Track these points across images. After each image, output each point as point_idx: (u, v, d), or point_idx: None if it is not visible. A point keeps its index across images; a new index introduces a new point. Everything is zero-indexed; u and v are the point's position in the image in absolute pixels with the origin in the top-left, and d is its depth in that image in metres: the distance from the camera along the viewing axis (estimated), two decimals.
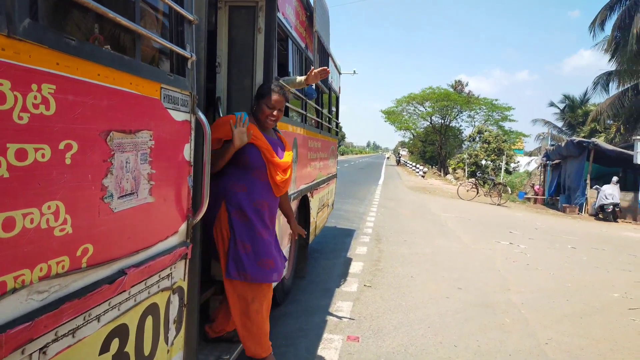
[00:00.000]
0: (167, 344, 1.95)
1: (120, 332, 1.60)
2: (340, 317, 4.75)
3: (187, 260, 2.07)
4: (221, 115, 3.32)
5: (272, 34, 3.40)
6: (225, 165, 2.87)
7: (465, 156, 33.30)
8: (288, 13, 3.95)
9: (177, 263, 1.98)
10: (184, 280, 2.08)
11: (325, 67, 3.82)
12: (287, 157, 3.05)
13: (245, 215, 2.88)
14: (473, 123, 42.71)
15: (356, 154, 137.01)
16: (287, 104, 4.16)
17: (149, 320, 1.80)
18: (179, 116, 1.92)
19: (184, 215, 2.03)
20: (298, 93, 4.62)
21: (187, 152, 2.01)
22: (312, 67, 3.69)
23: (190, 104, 2.01)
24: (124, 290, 1.58)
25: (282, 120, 3.77)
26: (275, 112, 2.96)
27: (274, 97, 2.95)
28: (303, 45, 4.65)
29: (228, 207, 2.88)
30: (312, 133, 5.35)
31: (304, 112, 4.77)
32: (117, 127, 1.49)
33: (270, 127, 3.05)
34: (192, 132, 2.05)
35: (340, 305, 5.12)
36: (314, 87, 5.26)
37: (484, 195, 20.27)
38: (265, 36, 3.36)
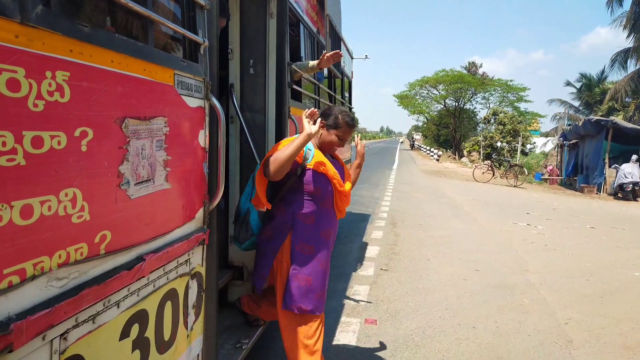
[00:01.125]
0: (187, 328, 1.97)
1: (140, 317, 1.62)
2: (357, 301, 4.77)
3: (205, 246, 2.08)
4: (235, 102, 3.31)
5: (284, 18, 3.36)
6: (291, 195, 2.72)
7: (480, 138, 32.91)
8: None
9: (195, 249, 1.99)
10: (202, 266, 2.09)
11: (338, 51, 3.78)
12: (348, 186, 2.93)
13: (311, 247, 2.73)
14: (488, 105, 42.16)
15: (370, 139, 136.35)
16: (301, 90, 4.14)
17: (169, 306, 1.82)
18: (193, 102, 1.92)
19: (201, 201, 2.03)
20: (311, 78, 4.59)
21: (202, 138, 2.01)
22: (325, 52, 3.66)
23: (203, 90, 2.01)
24: (143, 276, 1.59)
25: (294, 105, 3.76)
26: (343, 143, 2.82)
27: (349, 130, 2.79)
28: (315, 29, 4.60)
29: (293, 239, 2.73)
30: None
31: (317, 97, 4.74)
32: (132, 113, 1.49)
33: (333, 153, 2.91)
34: (207, 118, 2.04)
35: (357, 289, 5.14)
36: (324, 71, 5.23)
37: (500, 177, 20.06)
38: (278, 21, 3.33)
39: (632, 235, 8.96)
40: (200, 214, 2.03)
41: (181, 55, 1.93)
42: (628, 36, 23.98)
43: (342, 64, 6.54)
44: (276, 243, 2.75)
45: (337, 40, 5.75)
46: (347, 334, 3.95)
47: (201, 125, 2.00)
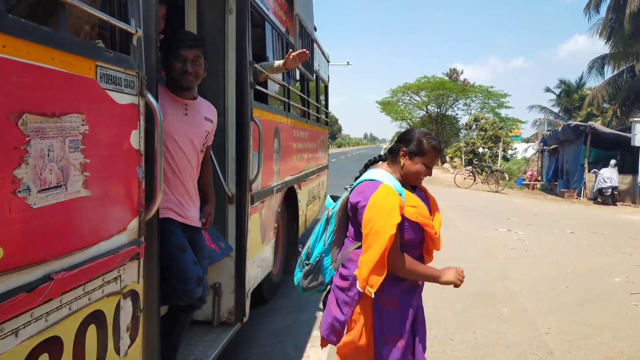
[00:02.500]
0: (118, 354, 1.74)
1: (51, 345, 1.39)
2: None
3: (141, 260, 1.86)
4: None
5: (244, 15, 3.16)
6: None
7: (462, 144, 33.06)
8: None
9: (127, 264, 1.77)
10: (139, 283, 1.87)
11: (305, 50, 3.60)
12: (438, 219, 2.33)
13: (396, 300, 2.19)
14: (469, 111, 42.41)
15: (353, 145, 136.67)
16: (266, 91, 3.94)
17: (92, 330, 1.59)
18: (122, 99, 1.70)
19: (134, 210, 1.81)
20: (279, 80, 4.40)
21: (135, 139, 1.79)
22: (290, 51, 3.47)
23: (137, 85, 1.79)
24: (52, 299, 1.36)
25: (260, 108, 3.55)
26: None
27: (436, 155, 2.25)
28: (283, 29, 4.42)
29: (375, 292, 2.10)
30: (297, 122, 5.12)
31: (286, 100, 4.54)
32: (33, 108, 1.27)
33: (419, 184, 2.36)
34: (142, 117, 1.82)
35: None
36: (295, 74, 5.04)
37: (482, 182, 20.07)
38: (237, 17, 3.13)
39: (612, 240, 8.91)
40: (134, 224, 1.81)
41: (109, 45, 1.71)
42: (606, 42, 24.33)
43: (316, 66, 6.37)
44: (355, 295, 2.17)
45: (308, 41, 5.57)
46: (317, 349, 3.72)
47: (134, 125, 1.78)
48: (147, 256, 1.89)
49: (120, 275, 1.73)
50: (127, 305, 1.80)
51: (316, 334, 4.03)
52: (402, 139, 2.29)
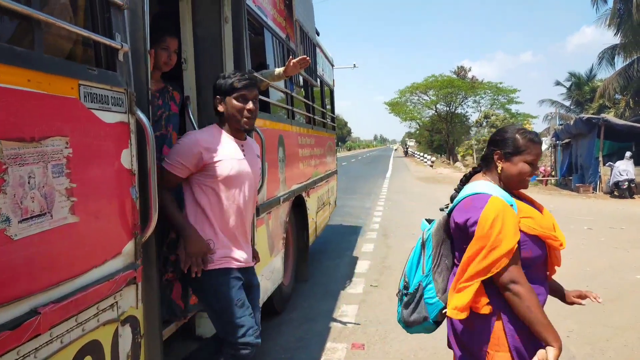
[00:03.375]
0: None
1: None
2: (344, 323, 4.45)
3: (139, 284, 1.78)
4: (192, 116, 3.02)
5: (240, 22, 3.10)
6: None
7: (474, 142, 32.81)
8: (261, 0, 3.64)
9: (124, 289, 1.69)
10: (137, 308, 1.79)
11: (305, 56, 3.52)
12: (557, 227, 2.06)
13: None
14: (479, 108, 42.13)
15: (363, 148, 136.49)
16: (268, 100, 3.86)
17: None
18: (110, 117, 1.63)
19: (130, 232, 1.73)
20: (282, 87, 4.33)
21: (127, 159, 1.72)
22: (291, 57, 3.39)
23: (126, 102, 1.72)
24: (40, 334, 1.29)
25: (262, 117, 3.48)
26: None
27: (537, 147, 1.95)
28: (283, 36, 4.35)
29: (506, 324, 1.87)
30: (302, 129, 5.05)
31: (290, 107, 4.46)
32: (8, 134, 1.20)
33: (526, 186, 2.04)
34: (132, 136, 1.75)
35: (345, 309, 4.82)
36: (298, 80, 4.97)
37: None
38: (233, 26, 3.06)
39: (631, 235, 8.68)
40: (129, 247, 1.73)
41: (93, 63, 1.63)
42: (616, 33, 23.94)
43: (320, 71, 6.29)
44: (483, 332, 1.89)
45: (311, 47, 5.49)
46: None
47: (125, 144, 1.71)
48: (145, 279, 1.81)
49: (117, 302, 1.65)
50: (126, 332, 1.72)
51: (330, 346, 3.93)
52: (493, 140, 2.03)
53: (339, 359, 3.71)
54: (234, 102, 2.34)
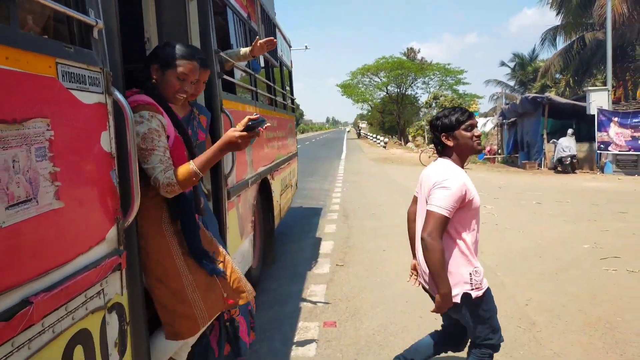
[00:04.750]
0: None
1: None
2: (314, 302, 4.51)
3: (123, 271, 1.73)
4: None
5: (205, 1, 3.01)
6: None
7: (424, 123, 33.53)
8: None
9: (109, 276, 1.64)
10: (122, 295, 1.74)
11: (272, 38, 3.48)
12: None
13: None
14: (428, 89, 43.03)
15: (316, 130, 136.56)
16: (235, 80, 3.79)
17: (79, 351, 1.47)
18: (88, 98, 1.56)
19: (112, 218, 1.68)
20: (246, 69, 4.25)
21: (106, 141, 1.65)
22: (257, 38, 3.33)
23: (103, 82, 1.64)
24: (33, 324, 1.23)
25: (228, 99, 3.42)
26: None
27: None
28: (245, 15, 4.26)
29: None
30: (265, 111, 4.99)
31: (254, 89, 4.40)
32: None
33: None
34: (110, 117, 1.68)
35: (314, 289, 4.87)
36: (259, 61, 4.89)
37: None
38: (199, 4, 2.97)
39: (576, 207, 9.20)
40: (112, 233, 1.68)
41: (67, 40, 1.55)
42: (557, 14, 24.93)
43: (279, 52, 6.22)
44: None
45: (271, 27, 5.41)
46: (305, 341, 3.66)
47: (103, 126, 1.64)
48: (128, 266, 1.76)
49: (103, 289, 1.60)
50: (113, 320, 1.67)
51: (302, 325, 3.97)
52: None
53: (312, 337, 3.76)
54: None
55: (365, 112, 58.46)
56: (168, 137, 2.07)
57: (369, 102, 48.49)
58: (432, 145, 23.85)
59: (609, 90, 16.37)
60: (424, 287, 2.64)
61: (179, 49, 2.22)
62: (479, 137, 2.47)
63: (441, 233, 2.30)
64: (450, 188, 2.31)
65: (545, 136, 17.15)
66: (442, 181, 2.35)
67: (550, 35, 27.30)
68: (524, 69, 37.95)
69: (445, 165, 2.46)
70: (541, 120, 17.24)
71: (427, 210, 2.35)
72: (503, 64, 40.79)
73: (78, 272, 1.45)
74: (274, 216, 5.31)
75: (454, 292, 2.36)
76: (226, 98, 3.30)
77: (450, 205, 2.30)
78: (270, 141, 5.16)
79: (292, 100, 7.83)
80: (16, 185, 1.20)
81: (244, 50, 3.47)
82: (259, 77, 4.72)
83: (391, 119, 47.52)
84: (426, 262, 2.35)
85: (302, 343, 3.65)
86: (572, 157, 15.54)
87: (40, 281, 1.29)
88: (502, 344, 2.59)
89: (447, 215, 2.29)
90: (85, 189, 1.52)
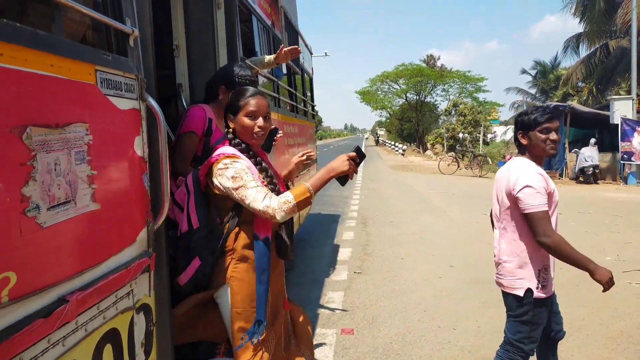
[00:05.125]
0: None
1: None
2: (332, 309, 4.52)
3: (151, 272, 1.77)
4: (185, 104, 2.99)
5: (233, 9, 3.07)
6: None
7: (443, 130, 33.31)
8: None
9: (139, 277, 1.68)
10: (150, 296, 1.79)
11: (296, 46, 3.53)
12: None
13: None
14: (448, 97, 42.68)
15: (334, 137, 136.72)
16: (259, 88, 3.85)
17: (108, 350, 1.51)
18: (124, 104, 1.61)
19: (143, 220, 1.72)
20: (269, 75, 4.31)
21: (139, 146, 1.70)
22: (282, 46, 3.39)
23: (137, 89, 1.70)
24: (68, 322, 1.28)
25: None
26: None
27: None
28: (269, 22, 4.32)
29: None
30: (287, 117, 5.04)
31: (277, 95, 4.45)
32: (36, 120, 1.18)
33: None
34: (144, 122, 1.73)
35: (332, 296, 4.89)
36: (281, 67, 4.95)
37: (465, 168, 20.24)
38: (226, 12, 3.03)
39: (598, 218, 9.06)
40: (142, 235, 1.72)
41: (105, 48, 1.61)
42: (580, 21, 24.64)
43: (301, 59, 6.28)
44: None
45: (294, 34, 5.47)
46: (323, 348, 3.68)
47: (137, 131, 1.69)
48: (157, 267, 1.81)
49: (132, 290, 1.64)
50: (141, 320, 1.72)
51: (320, 332, 3.99)
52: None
53: (330, 343, 3.77)
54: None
55: (383, 119, 58.36)
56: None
57: (388, 109, 48.36)
58: (451, 154, 23.71)
59: (633, 99, 16.05)
60: (497, 282, 2.68)
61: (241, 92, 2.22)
62: (554, 141, 2.45)
63: (550, 226, 2.34)
64: (533, 185, 2.35)
65: (567, 145, 16.90)
66: (522, 181, 2.38)
67: (573, 43, 26.97)
68: (545, 76, 37.49)
69: (521, 163, 2.49)
70: (563, 129, 16.99)
71: (526, 215, 2.38)
72: (524, 71, 40.37)
73: (110, 273, 1.49)
74: (292, 222, 5.33)
75: (518, 285, 2.45)
76: None
77: (541, 200, 2.34)
78: (291, 147, 5.20)
79: (313, 107, 7.88)
80: (57, 187, 1.25)
81: (269, 57, 3.52)
82: (281, 83, 4.77)
83: (410, 126, 47.33)
84: (561, 260, 2.40)
85: (320, 350, 3.66)
86: (595, 167, 15.28)
87: (76, 280, 1.34)
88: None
89: (542, 209, 2.33)
90: (119, 191, 1.57)
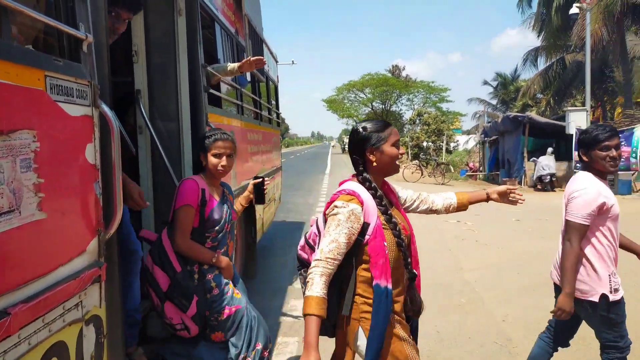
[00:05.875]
0: None
1: None
2: (295, 317, 4.51)
3: (102, 283, 1.73)
4: (142, 110, 2.94)
5: (194, 16, 3.05)
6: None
7: (407, 139, 33.83)
8: None
9: (89, 288, 1.64)
10: (101, 307, 1.74)
11: (262, 57, 3.55)
12: None
13: None
14: (412, 106, 43.46)
15: (301, 145, 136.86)
16: (221, 95, 3.83)
17: None
18: (75, 110, 1.58)
19: (93, 229, 1.68)
20: (233, 83, 4.29)
21: (91, 153, 1.66)
22: (249, 57, 3.39)
23: (90, 95, 1.66)
24: (10, 335, 1.24)
25: (213, 112, 3.44)
26: None
27: None
28: (233, 30, 4.31)
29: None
30: (250, 125, 5.02)
31: (240, 103, 4.44)
32: None
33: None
34: (96, 130, 1.70)
35: (294, 304, 4.87)
36: (246, 75, 4.94)
37: (428, 175, 20.62)
38: (187, 19, 3.01)
39: (555, 225, 9.33)
40: (93, 245, 1.68)
41: (56, 53, 1.57)
42: (538, 36, 25.64)
43: (266, 67, 6.28)
44: None
45: (258, 42, 5.47)
46: (283, 357, 3.67)
47: (89, 138, 1.66)
48: (108, 278, 1.77)
49: (81, 301, 1.60)
50: (90, 333, 1.67)
51: (281, 341, 3.98)
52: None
53: (291, 352, 3.76)
54: None
55: (350, 127, 58.85)
56: (367, 224, 1.96)
57: (354, 118, 48.87)
58: (415, 162, 24.11)
59: (587, 111, 16.75)
60: (555, 283, 2.83)
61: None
62: (613, 158, 2.54)
63: (579, 239, 2.50)
64: (584, 197, 2.50)
65: (525, 154, 17.46)
66: (577, 191, 2.54)
67: (532, 56, 27.98)
68: (506, 88, 38.71)
69: (583, 177, 2.62)
70: (522, 139, 17.56)
71: (566, 220, 2.56)
72: (486, 82, 41.58)
73: (58, 284, 1.45)
74: (256, 230, 5.30)
75: (592, 292, 2.56)
76: (212, 112, 3.33)
77: (584, 213, 2.48)
78: (254, 154, 5.19)
79: (278, 115, 7.88)
80: (0, 195, 1.21)
81: (232, 65, 3.51)
82: (245, 91, 4.76)
83: None
84: (561, 262, 2.59)
85: (281, 358, 3.64)
86: (552, 175, 15.83)
87: (20, 292, 1.29)
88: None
89: (582, 222, 2.49)
90: (68, 200, 1.53)
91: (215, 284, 2.63)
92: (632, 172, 14.31)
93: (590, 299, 2.57)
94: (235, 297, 2.72)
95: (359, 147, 2.10)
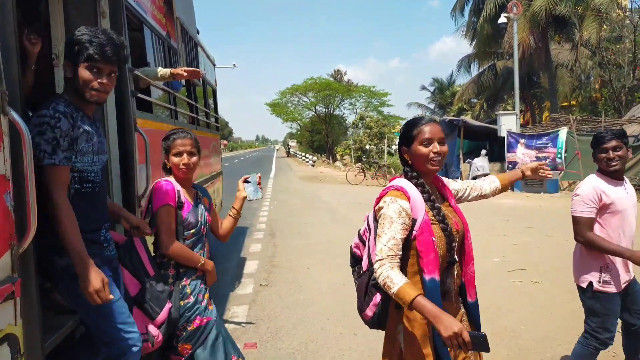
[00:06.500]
0: None
1: None
2: (237, 323, 4.45)
3: (17, 299, 1.64)
4: None
5: (119, 18, 2.95)
6: None
7: (351, 142, 34.37)
8: None
9: (1, 305, 1.54)
10: (16, 325, 1.64)
11: (198, 70, 3.52)
12: None
13: None
14: (355, 110, 44.16)
15: (245, 148, 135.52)
16: (151, 99, 3.73)
17: None
18: None
19: (6, 243, 1.59)
20: (165, 87, 4.19)
21: (0, 163, 1.57)
22: (183, 67, 3.34)
23: None
24: None
25: (143, 117, 3.34)
26: None
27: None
28: (164, 33, 4.21)
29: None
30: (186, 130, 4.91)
31: (173, 107, 4.33)
32: None
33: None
34: (6, 138, 1.60)
35: (235, 310, 4.82)
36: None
37: (371, 178, 21.00)
38: (111, 21, 2.91)
39: (488, 223, 9.82)
40: (5, 259, 1.59)
41: None
42: (471, 43, 26.79)
43: (202, 70, 6.17)
44: None
45: (192, 45, 5.37)
46: None
47: None
48: (24, 294, 1.67)
49: None
50: (5, 352, 1.57)
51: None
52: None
53: None
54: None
55: (294, 131, 58.94)
56: (414, 219, 1.97)
57: (298, 121, 48.96)
58: (358, 164, 24.49)
59: (517, 115, 17.71)
60: (577, 285, 2.99)
61: None
62: (609, 159, 2.80)
63: (586, 229, 2.80)
64: (580, 194, 2.84)
65: (461, 156, 18.20)
66: (576, 189, 2.92)
67: (466, 63, 29.19)
68: (442, 93, 40.16)
69: (589, 178, 2.93)
70: (457, 142, 18.29)
71: (572, 217, 2.88)
72: (424, 87, 42.95)
73: None
74: None
75: (581, 279, 2.90)
76: (141, 117, 3.23)
77: (582, 208, 2.82)
78: None
79: (217, 119, 7.77)
80: None
81: (164, 70, 3.44)
82: (179, 95, 4.66)
83: (320, 138, 48.22)
84: (601, 252, 2.80)
85: None
86: (486, 175, 16.56)
87: None
88: None
89: (583, 215, 2.81)
90: None
91: (190, 290, 2.55)
92: (559, 171, 15.22)
93: (580, 284, 2.92)
94: (209, 308, 2.65)
95: (399, 145, 2.17)
